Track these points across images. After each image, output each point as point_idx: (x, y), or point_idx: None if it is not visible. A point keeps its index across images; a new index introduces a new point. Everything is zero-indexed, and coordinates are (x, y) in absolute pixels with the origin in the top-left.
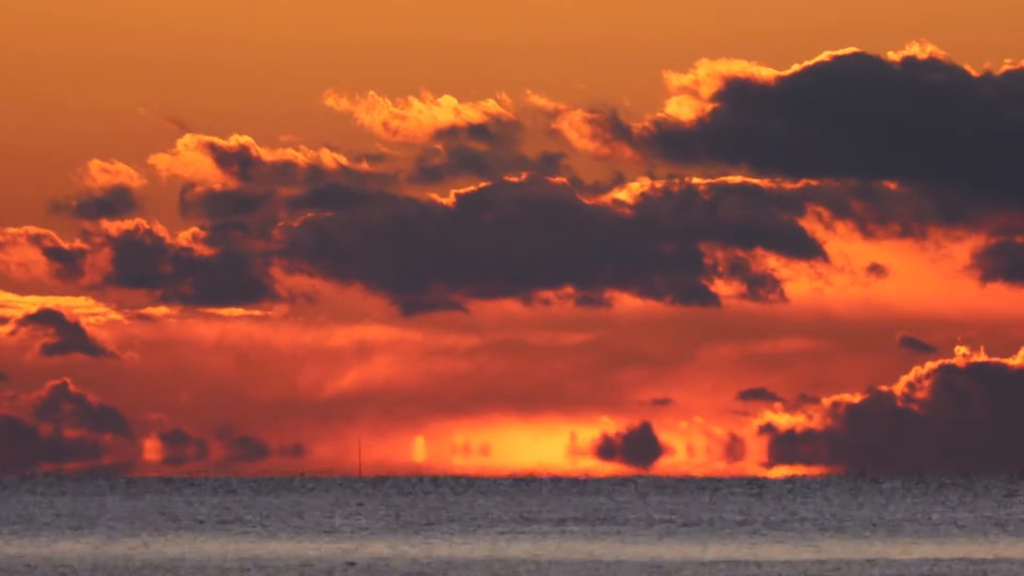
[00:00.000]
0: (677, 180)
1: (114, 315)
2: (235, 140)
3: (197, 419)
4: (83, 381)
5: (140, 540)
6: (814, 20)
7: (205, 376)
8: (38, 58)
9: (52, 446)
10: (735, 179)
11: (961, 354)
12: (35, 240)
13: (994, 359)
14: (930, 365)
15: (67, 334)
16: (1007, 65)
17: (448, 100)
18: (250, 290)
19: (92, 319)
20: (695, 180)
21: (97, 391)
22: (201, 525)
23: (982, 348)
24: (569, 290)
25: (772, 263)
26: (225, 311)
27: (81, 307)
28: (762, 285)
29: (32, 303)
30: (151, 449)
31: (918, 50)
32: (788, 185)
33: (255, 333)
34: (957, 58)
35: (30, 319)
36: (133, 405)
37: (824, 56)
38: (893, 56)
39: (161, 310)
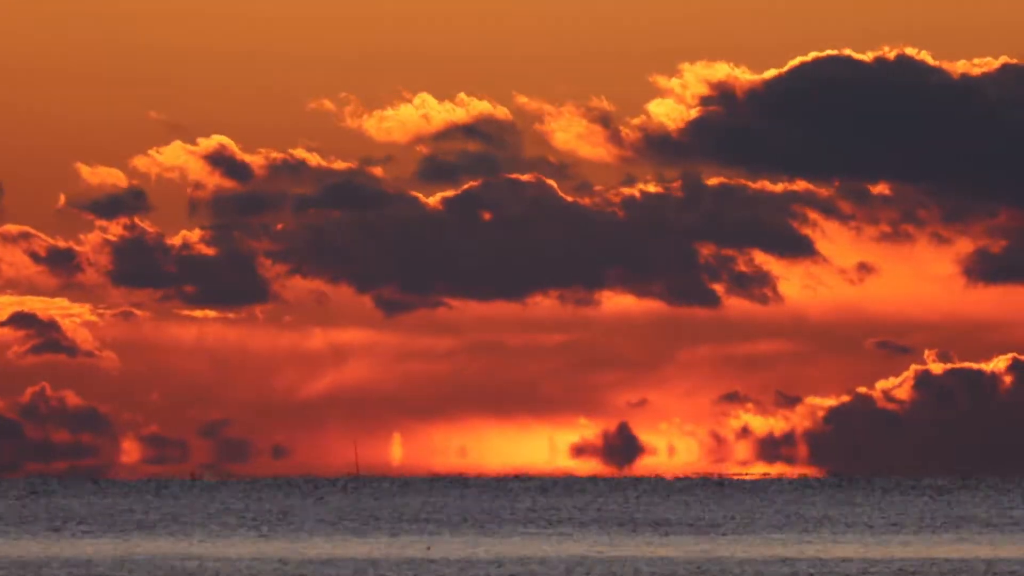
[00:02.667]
0: (667, 182)
1: (97, 316)
2: (224, 143)
3: (181, 420)
4: (64, 382)
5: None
6: (795, 23)
7: (189, 377)
8: (30, 60)
9: (33, 447)
10: (726, 181)
11: (934, 358)
12: (18, 240)
13: (967, 364)
14: (909, 368)
15: (48, 335)
16: (980, 67)
17: (437, 103)
18: (239, 292)
19: (70, 320)
20: (685, 182)
21: (78, 392)
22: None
23: (959, 352)
24: (559, 291)
25: (764, 263)
26: (212, 312)
27: (62, 308)
28: (753, 285)
29: (12, 303)
30: (135, 450)
31: (889, 51)
32: (778, 186)
33: (241, 334)
34: (935, 59)
35: (10, 320)
36: (117, 406)
37: (803, 58)
38: (871, 57)
39: (143, 311)
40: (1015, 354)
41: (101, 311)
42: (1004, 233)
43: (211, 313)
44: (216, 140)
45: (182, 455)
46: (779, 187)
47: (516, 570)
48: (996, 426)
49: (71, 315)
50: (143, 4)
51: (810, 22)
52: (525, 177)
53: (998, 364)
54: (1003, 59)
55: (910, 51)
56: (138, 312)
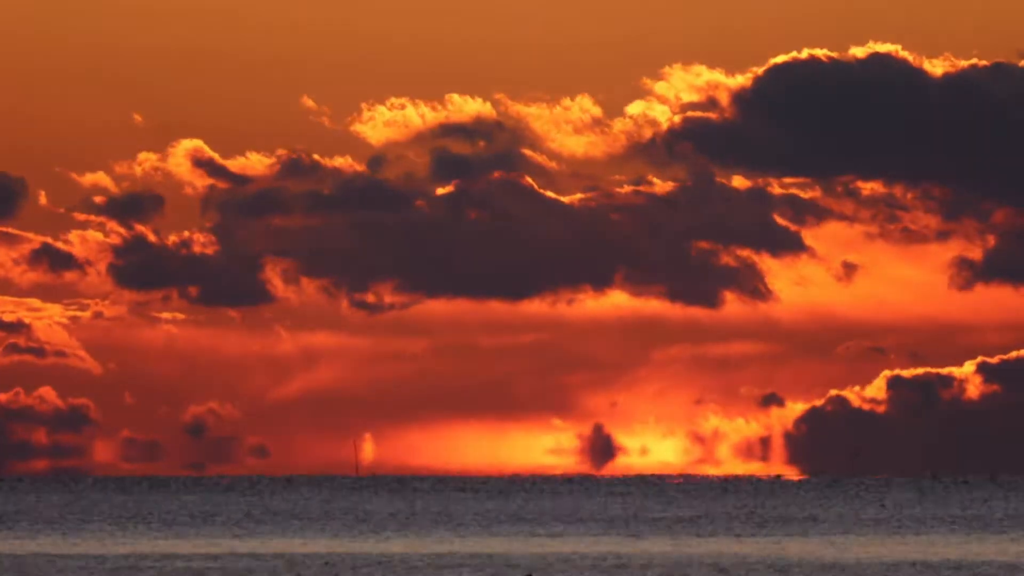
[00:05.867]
0: (656, 182)
1: (68, 318)
2: (204, 147)
3: (164, 420)
4: (44, 382)
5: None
6: (783, 23)
7: (172, 377)
8: (21, 60)
9: (18, 447)
10: (715, 181)
11: (908, 361)
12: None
13: (940, 367)
14: (885, 371)
15: (28, 336)
16: (951, 65)
17: (428, 104)
18: (229, 293)
19: (49, 321)
20: (674, 182)
21: (61, 393)
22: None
23: (935, 355)
24: (550, 291)
25: (755, 262)
26: (197, 313)
27: (42, 309)
28: (743, 284)
29: None
30: (118, 450)
31: (874, 50)
32: (767, 185)
33: (224, 334)
34: (921, 58)
35: None
36: (100, 407)
37: (792, 56)
38: (857, 56)
39: (120, 309)
40: (984, 357)
41: (74, 312)
42: (997, 234)
43: (196, 315)
44: (200, 143)
45: (162, 454)
46: (768, 186)
47: (502, 570)
48: (969, 427)
49: (45, 316)
50: (134, 6)
51: (807, 21)
52: (513, 177)
53: (968, 368)
54: (977, 58)
55: (895, 50)
56: (123, 312)
